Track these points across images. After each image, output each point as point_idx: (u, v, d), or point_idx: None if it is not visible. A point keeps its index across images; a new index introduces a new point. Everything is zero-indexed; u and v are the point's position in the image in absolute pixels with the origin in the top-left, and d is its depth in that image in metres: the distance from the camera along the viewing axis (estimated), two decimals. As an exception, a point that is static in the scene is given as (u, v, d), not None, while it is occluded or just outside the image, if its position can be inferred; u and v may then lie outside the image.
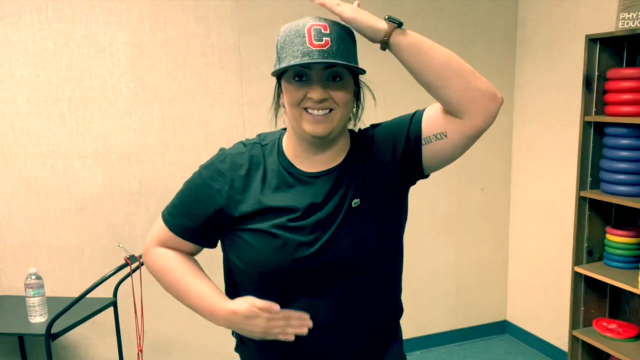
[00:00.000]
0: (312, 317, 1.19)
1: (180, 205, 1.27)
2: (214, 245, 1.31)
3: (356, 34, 1.15)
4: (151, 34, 2.69)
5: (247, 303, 1.16)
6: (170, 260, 1.28)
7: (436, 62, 1.11)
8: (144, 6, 2.66)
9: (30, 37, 2.52)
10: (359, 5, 1.15)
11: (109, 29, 2.62)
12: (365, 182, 1.21)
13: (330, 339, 1.23)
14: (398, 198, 1.26)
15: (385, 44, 1.12)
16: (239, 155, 1.23)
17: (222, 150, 1.27)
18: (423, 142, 1.19)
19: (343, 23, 1.14)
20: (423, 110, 1.21)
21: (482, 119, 1.13)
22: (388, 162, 1.22)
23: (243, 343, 1.35)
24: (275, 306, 1.15)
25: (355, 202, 1.20)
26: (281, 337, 1.17)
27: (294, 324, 1.17)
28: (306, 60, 1.08)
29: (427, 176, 1.26)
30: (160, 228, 1.30)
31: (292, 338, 1.18)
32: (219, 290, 1.24)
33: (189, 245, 1.28)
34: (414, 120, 1.21)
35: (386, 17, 1.12)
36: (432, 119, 1.18)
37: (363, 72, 1.17)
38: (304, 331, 1.18)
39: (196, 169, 1.29)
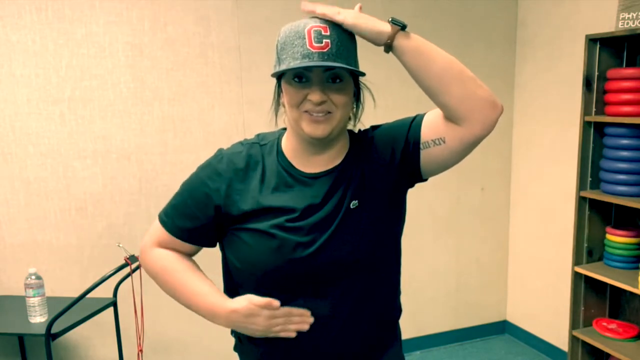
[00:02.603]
0: None
1: (178, 206, 1.27)
2: (213, 245, 1.30)
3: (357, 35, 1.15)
4: (151, 34, 2.69)
5: (247, 301, 1.16)
6: (168, 261, 1.27)
7: (438, 67, 1.11)
8: (144, 6, 2.66)
9: (30, 37, 2.52)
10: (361, 8, 1.15)
11: (109, 29, 2.62)
12: (364, 184, 1.21)
13: (329, 339, 1.23)
14: (396, 200, 1.26)
15: (388, 47, 1.12)
16: (237, 155, 1.23)
17: (219, 150, 1.27)
18: (421, 146, 1.18)
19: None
20: (424, 115, 1.21)
21: (481, 126, 1.13)
22: (387, 165, 1.22)
23: (242, 342, 1.35)
24: (275, 302, 1.15)
25: (354, 203, 1.20)
26: (282, 334, 1.17)
27: (295, 320, 1.17)
28: (306, 62, 1.08)
29: (425, 180, 1.26)
30: (157, 229, 1.29)
31: (293, 335, 1.17)
32: (218, 290, 1.24)
33: (186, 246, 1.28)
34: (413, 124, 1.21)
35: (390, 19, 1.11)
36: (432, 124, 1.18)
37: (363, 74, 1.17)
38: (305, 327, 1.17)
39: (196, 169, 1.29)
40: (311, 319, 1.18)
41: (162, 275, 1.28)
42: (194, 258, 1.34)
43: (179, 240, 1.27)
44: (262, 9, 2.85)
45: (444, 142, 1.16)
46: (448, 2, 3.20)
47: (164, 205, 1.33)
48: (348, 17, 1.10)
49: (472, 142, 1.15)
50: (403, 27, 1.11)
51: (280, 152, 1.24)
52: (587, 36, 2.52)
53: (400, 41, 1.10)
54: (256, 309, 1.15)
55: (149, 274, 1.31)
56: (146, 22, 2.68)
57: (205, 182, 1.23)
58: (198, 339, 2.98)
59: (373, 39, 1.12)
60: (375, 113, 1.33)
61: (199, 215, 1.23)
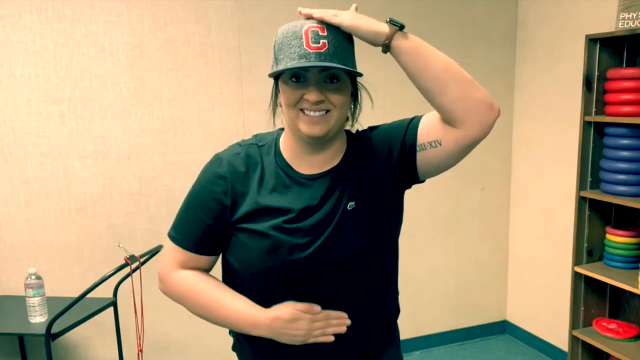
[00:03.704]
0: None
1: (186, 219, 1.25)
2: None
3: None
4: (151, 34, 2.69)
5: (289, 307, 1.17)
6: (193, 281, 1.24)
7: (435, 68, 1.11)
8: (144, 6, 2.66)
9: (30, 37, 2.52)
10: (356, 8, 1.15)
11: (109, 29, 2.62)
12: (361, 185, 1.21)
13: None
14: (393, 201, 1.26)
15: (386, 47, 1.11)
16: (236, 157, 1.23)
17: (216, 155, 1.26)
18: (418, 148, 1.18)
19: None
20: (421, 117, 1.21)
21: (477, 129, 1.12)
22: (384, 166, 1.22)
23: (239, 342, 1.35)
24: (317, 307, 1.16)
25: (351, 205, 1.20)
26: (321, 339, 1.18)
27: (334, 323, 1.18)
28: (303, 62, 1.08)
29: (422, 181, 1.26)
30: (171, 250, 1.26)
31: (332, 339, 1.19)
32: (251, 302, 1.22)
33: (204, 260, 1.26)
34: (410, 126, 1.20)
35: (388, 19, 1.11)
36: (429, 127, 1.18)
37: (360, 75, 1.17)
38: (342, 329, 1.19)
39: (196, 169, 1.29)
40: (349, 322, 1.20)
41: (190, 296, 1.25)
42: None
43: (196, 255, 1.25)
44: (262, 9, 2.85)
45: (440, 144, 1.16)
46: (448, 2, 3.20)
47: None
48: (345, 19, 1.10)
49: (469, 144, 1.14)
50: (401, 28, 1.11)
51: (278, 153, 1.24)
52: (587, 36, 2.52)
53: (398, 42, 1.10)
54: (299, 314, 1.16)
55: (174, 299, 1.28)
56: (146, 22, 2.68)
57: (211, 187, 1.22)
58: (198, 339, 2.98)
59: (371, 40, 1.11)
60: (373, 113, 1.33)
61: (210, 222, 1.22)
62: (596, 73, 2.54)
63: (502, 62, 3.37)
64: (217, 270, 1.33)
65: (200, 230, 1.23)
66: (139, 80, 2.70)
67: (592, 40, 2.52)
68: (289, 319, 1.16)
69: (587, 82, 2.56)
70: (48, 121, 2.60)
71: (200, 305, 1.24)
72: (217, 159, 1.25)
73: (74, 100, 2.62)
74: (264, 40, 2.86)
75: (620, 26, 2.41)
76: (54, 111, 2.60)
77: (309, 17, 1.12)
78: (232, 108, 2.88)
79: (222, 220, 1.22)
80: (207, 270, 1.29)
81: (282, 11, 2.87)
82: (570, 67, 2.97)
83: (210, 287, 1.24)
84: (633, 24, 2.36)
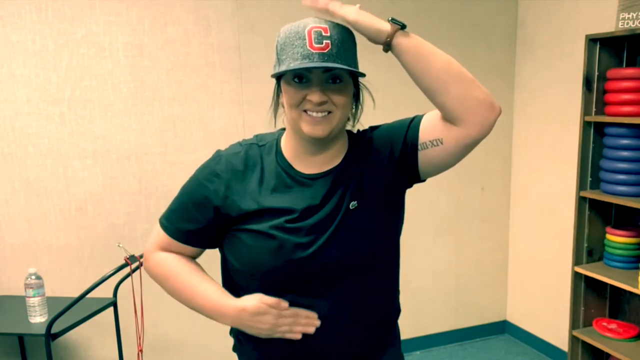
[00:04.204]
0: None
1: (178, 210, 1.27)
2: (215, 247, 1.30)
3: (357, 35, 1.15)
4: (151, 34, 2.69)
5: (256, 299, 1.16)
6: (172, 264, 1.27)
7: (436, 67, 1.11)
8: (144, 6, 2.66)
9: (30, 37, 2.52)
10: (360, 8, 1.15)
11: (109, 29, 2.62)
12: (363, 185, 1.21)
13: (327, 340, 1.23)
14: (395, 200, 1.26)
15: (387, 46, 1.12)
16: (235, 156, 1.23)
17: (217, 152, 1.27)
18: (419, 147, 1.18)
19: (343, 24, 1.14)
20: (422, 116, 1.21)
21: (478, 128, 1.12)
22: (385, 166, 1.22)
23: (241, 343, 1.35)
24: (284, 303, 1.16)
25: (353, 204, 1.20)
26: (287, 336, 1.18)
27: (302, 322, 1.18)
28: (306, 63, 1.08)
29: (423, 180, 1.26)
30: (159, 234, 1.29)
31: (299, 336, 1.18)
32: (223, 290, 1.24)
33: (188, 249, 1.28)
34: (412, 125, 1.21)
35: (390, 18, 1.11)
36: (430, 125, 1.18)
37: (363, 75, 1.17)
38: (311, 330, 1.18)
39: (196, 169, 1.29)
40: (318, 322, 1.19)
41: (166, 278, 1.28)
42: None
43: (181, 244, 1.27)
44: (262, 9, 2.85)
45: (441, 143, 1.16)
46: (448, 2, 3.20)
47: (164, 205, 1.33)
48: (349, 13, 1.10)
49: (469, 143, 1.15)
50: (403, 27, 1.11)
51: (279, 153, 1.24)
52: (587, 36, 2.52)
53: (399, 40, 1.11)
54: (265, 308, 1.15)
55: (153, 279, 1.31)
56: (146, 22, 2.68)
57: (204, 184, 1.23)
58: (198, 339, 2.98)
59: (373, 37, 1.12)
60: (374, 114, 1.33)
61: (198, 217, 1.23)
62: (596, 73, 2.54)
63: (502, 62, 3.37)
64: (218, 269, 1.33)
65: (188, 222, 1.25)
66: (139, 80, 2.70)
67: (592, 40, 2.52)
68: (255, 311, 1.16)
69: (587, 82, 2.56)
70: (48, 121, 2.60)
71: (174, 288, 1.27)
72: (217, 156, 1.26)
73: (74, 100, 2.62)
74: (264, 40, 2.86)
75: (620, 26, 2.41)
76: (54, 111, 2.60)
77: (313, 8, 1.12)
78: (232, 108, 2.88)
79: (210, 218, 1.22)
80: (192, 257, 1.31)
81: (282, 11, 2.87)
82: (570, 67, 2.97)
83: (186, 271, 1.26)
84: (633, 24, 2.36)
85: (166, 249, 1.29)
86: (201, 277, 1.26)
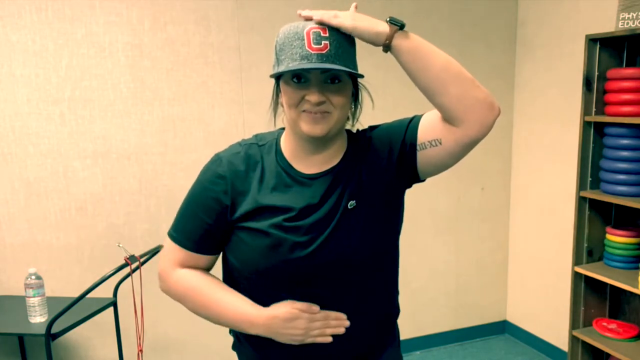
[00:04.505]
0: None
1: (185, 219, 1.26)
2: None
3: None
4: (151, 34, 2.69)
5: (287, 306, 1.17)
6: (193, 280, 1.25)
7: (436, 67, 1.11)
8: (144, 6, 2.66)
9: (30, 37, 2.52)
10: (356, 7, 1.15)
11: (109, 29, 2.62)
12: (362, 184, 1.21)
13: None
14: (394, 200, 1.26)
15: (387, 47, 1.11)
16: (236, 156, 1.23)
17: (216, 155, 1.27)
18: (418, 147, 1.18)
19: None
20: (421, 116, 1.21)
21: (477, 128, 1.12)
22: (384, 165, 1.22)
23: (240, 342, 1.35)
24: (315, 307, 1.17)
25: (351, 204, 1.20)
26: (319, 340, 1.19)
27: (332, 324, 1.18)
28: (304, 63, 1.08)
29: (423, 180, 1.26)
30: (171, 249, 1.27)
31: (330, 339, 1.19)
32: (249, 300, 1.23)
33: (202, 259, 1.27)
34: (411, 125, 1.21)
35: (388, 19, 1.11)
36: (429, 125, 1.18)
37: (361, 76, 1.17)
38: (341, 331, 1.19)
39: (196, 169, 1.29)
40: (347, 323, 1.20)
41: (190, 295, 1.25)
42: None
43: (196, 254, 1.25)
44: (262, 9, 2.85)
45: (440, 143, 1.16)
46: (448, 2, 3.20)
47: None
48: (345, 20, 1.10)
49: (469, 143, 1.14)
50: (401, 27, 1.11)
51: (279, 152, 1.24)
52: (587, 36, 2.52)
53: (398, 41, 1.10)
54: (297, 313, 1.16)
55: (174, 298, 1.28)
56: (146, 22, 2.68)
57: (210, 187, 1.22)
58: (198, 339, 2.98)
59: (372, 40, 1.11)
60: (373, 114, 1.33)
61: (209, 222, 1.22)
62: (596, 73, 2.54)
63: (502, 62, 3.37)
64: (217, 269, 1.33)
65: (199, 229, 1.23)
66: (139, 80, 2.70)
67: (592, 40, 2.52)
68: (287, 317, 1.16)
69: (587, 82, 2.56)
70: (48, 121, 2.60)
71: (199, 304, 1.25)
72: (217, 159, 1.25)
73: (74, 100, 2.62)
74: (264, 40, 2.86)
75: (620, 26, 2.41)
76: (54, 111, 2.60)
77: (309, 19, 1.12)
78: (232, 108, 2.88)
79: (222, 220, 1.22)
80: (207, 269, 1.30)
81: (282, 11, 2.87)
82: (570, 67, 2.97)
83: (209, 286, 1.25)
84: (633, 24, 2.36)
85: (181, 264, 1.26)
86: (225, 290, 1.25)
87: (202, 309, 1.25)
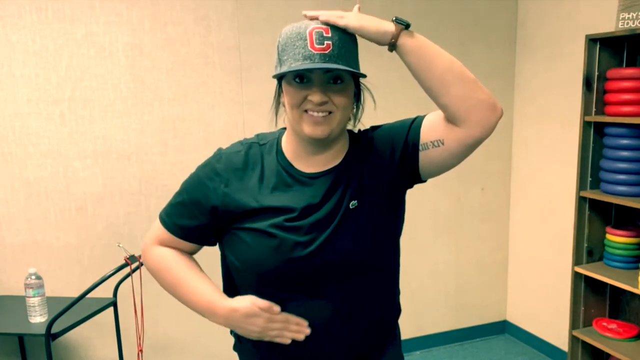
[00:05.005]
0: (308, 317, 1.19)
1: (177, 205, 1.28)
2: (213, 244, 1.31)
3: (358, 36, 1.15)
4: (151, 34, 2.69)
5: (249, 301, 1.17)
6: (169, 259, 1.28)
7: (439, 67, 1.11)
8: (144, 6, 2.66)
9: (30, 37, 2.52)
10: (359, 9, 1.15)
11: (109, 29, 2.62)
12: (363, 184, 1.22)
13: (327, 339, 1.24)
14: (395, 200, 1.26)
15: (392, 46, 1.12)
16: (235, 155, 1.24)
17: (219, 150, 1.28)
18: (420, 148, 1.19)
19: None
20: (424, 116, 1.22)
21: (479, 129, 1.13)
22: (386, 165, 1.22)
23: (241, 342, 1.35)
24: (276, 307, 1.16)
25: (353, 203, 1.20)
26: (277, 340, 1.18)
27: (293, 328, 1.18)
28: (307, 64, 1.08)
29: (424, 181, 1.26)
30: (157, 228, 1.30)
31: (288, 342, 1.19)
32: (217, 288, 1.25)
33: (186, 245, 1.29)
34: (413, 125, 1.21)
35: (394, 18, 1.12)
36: (432, 126, 1.18)
37: (364, 76, 1.17)
38: (300, 337, 1.19)
39: (195, 168, 1.29)
40: (308, 330, 1.19)
41: (162, 272, 1.29)
42: (195, 257, 1.34)
43: (179, 239, 1.28)
44: (262, 9, 2.85)
45: (442, 143, 1.16)
46: (448, 2, 3.20)
47: (164, 205, 1.34)
48: (351, 21, 1.10)
49: (471, 144, 1.15)
50: (407, 26, 1.11)
51: (279, 152, 1.24)
52: (587, 36, 2.52)
53: (404, 40, 1.11)
54: (257, 311, 1.16)
55: (150, 272, 1.33)
56: (146, 22, 2.68)
57: (204, 181, 1.23)
58: (198, 339, 2.98)
59: (377, 40, 1.12)
60: (375, 114, 1.33)
61: (197, 214, 1.24)
62: (596, 73, 2.54)
63: (502, 62, 3.37)
64: (218, 269, 1.33)
65: (187, 219, 1.26)
66: (139, 80, 2.70)
67: (592, 40, 2.52)
68: (247, 313, 1.16)
69: (587, 82, 2.56)
70: (48, 121, 2.60)
71: (169, 282, 1.28)
72: (218, 155, 1.26)
73: (74, 100, 2.62)
74: (264, 40, 2.86)
75: (620, 26, 2.41)
76: (54, 111, 2.60)
77: (315, 19, 1.12)
78: (232, 108, 2.88)
79: (209, 216, 1.23)
80: (190, 253, 1.32)
81: (282, 11, 2.87)
82: (570, 67, 2.97)
83: (181, 267, 1.27)
84: (633, 24, 2.36)
85: (164, 243, 1.29)
86: (196, 274, 1.27)
87: (171, 287, 1.28)
